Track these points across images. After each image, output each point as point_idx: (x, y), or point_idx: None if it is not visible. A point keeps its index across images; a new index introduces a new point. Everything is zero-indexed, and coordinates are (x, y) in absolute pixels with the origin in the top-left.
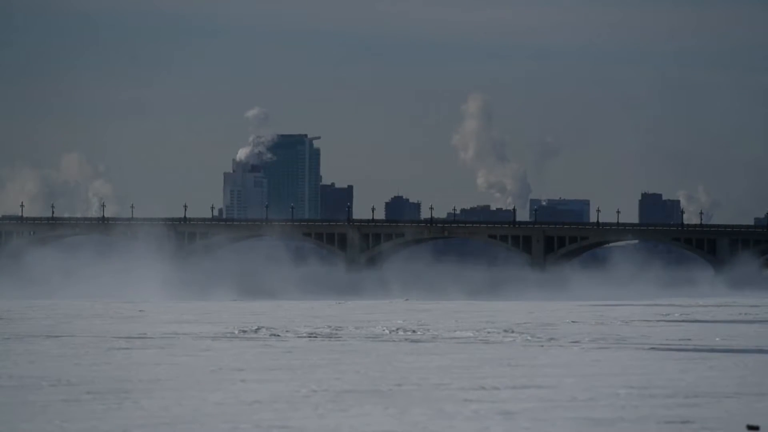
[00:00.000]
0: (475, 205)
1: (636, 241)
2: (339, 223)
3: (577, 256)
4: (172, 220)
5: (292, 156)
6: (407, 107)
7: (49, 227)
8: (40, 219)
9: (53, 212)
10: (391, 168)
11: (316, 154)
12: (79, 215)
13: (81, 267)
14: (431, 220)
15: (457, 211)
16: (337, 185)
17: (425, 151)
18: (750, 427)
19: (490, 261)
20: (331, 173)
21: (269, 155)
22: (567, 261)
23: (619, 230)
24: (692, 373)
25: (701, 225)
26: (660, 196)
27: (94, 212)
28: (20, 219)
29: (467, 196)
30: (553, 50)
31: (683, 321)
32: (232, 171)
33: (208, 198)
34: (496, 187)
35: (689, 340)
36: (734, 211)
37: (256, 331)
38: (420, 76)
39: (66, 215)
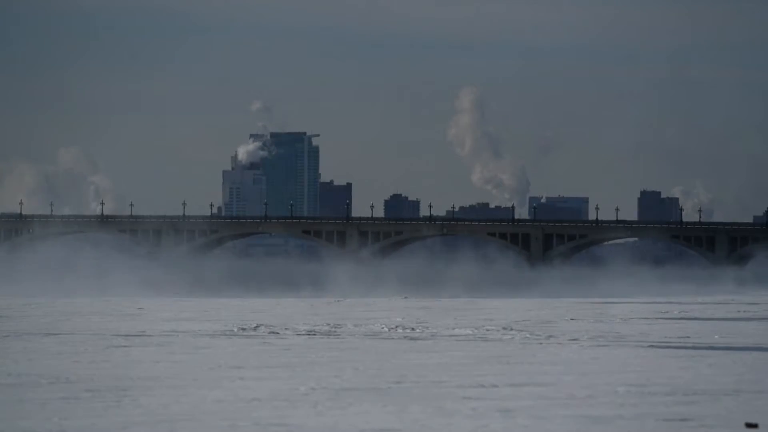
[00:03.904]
0: (474, 203)
1: (635, 239)
2: (338, 221)
3: (576, 254)
4: (171, 217)
5: (291, 154)
6: (405, 104)
7: (47, 224)
8: (39, 216)
9: (52, 210)
10: (390, 166)
11: (315, 151)
12: (77, 212)
13: (78, 265)
14: (430, 218)
15: (456, 209)
16: (336, 183)
17: (424, 148)
18: (748, 425)
19: (488, 259)
20: (330, 171)
21: (275, 148)
22: (566, 259)
23: (618, 228)
24: (691, 371)
25: (700, 222)
26: (659, 193)
27: (92, 209)
28: (19, 216)
29: (466, 194)
30: (550, 46)
31: (682, 318)
32: (231, 169)
33: (206, 196)
34: (492, 183)
35: (688, 337)
36: (733, 209)
37: (255, 328)
38: (417, 73)
39: (65, 212)
